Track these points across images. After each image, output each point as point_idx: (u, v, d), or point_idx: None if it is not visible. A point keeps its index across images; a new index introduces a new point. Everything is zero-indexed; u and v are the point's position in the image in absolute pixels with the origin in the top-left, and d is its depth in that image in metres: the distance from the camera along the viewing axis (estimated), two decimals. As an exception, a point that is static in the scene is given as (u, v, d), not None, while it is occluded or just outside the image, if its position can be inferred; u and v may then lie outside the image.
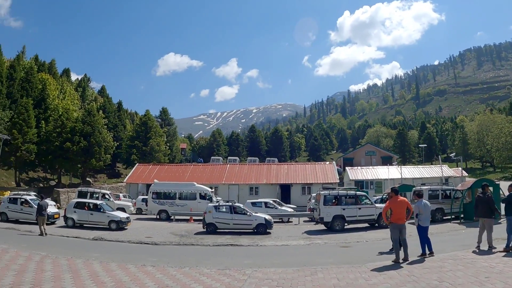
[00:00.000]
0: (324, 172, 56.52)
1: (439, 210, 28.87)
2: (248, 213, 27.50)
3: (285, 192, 53.51)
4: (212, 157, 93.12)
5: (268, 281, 11.59)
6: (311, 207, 33.43)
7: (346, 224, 27.08)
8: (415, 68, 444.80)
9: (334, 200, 27.69)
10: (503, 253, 13.93)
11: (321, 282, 11.44)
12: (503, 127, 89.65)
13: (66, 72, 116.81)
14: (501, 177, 73.81)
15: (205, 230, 27.23)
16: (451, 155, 69.95)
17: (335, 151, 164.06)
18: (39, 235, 24.13)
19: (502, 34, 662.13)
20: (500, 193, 26.55)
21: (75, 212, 29.47)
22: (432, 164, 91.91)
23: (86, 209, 29.49)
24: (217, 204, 28.97)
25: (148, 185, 44.59)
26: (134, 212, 42.12)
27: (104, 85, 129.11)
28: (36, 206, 29.53)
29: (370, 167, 69.58)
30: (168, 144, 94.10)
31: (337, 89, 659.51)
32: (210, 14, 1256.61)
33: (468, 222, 26.70)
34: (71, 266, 13.63)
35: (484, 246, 14.90)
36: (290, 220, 35.57)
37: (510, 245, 14.13)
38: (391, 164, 72.13)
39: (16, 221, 30.21)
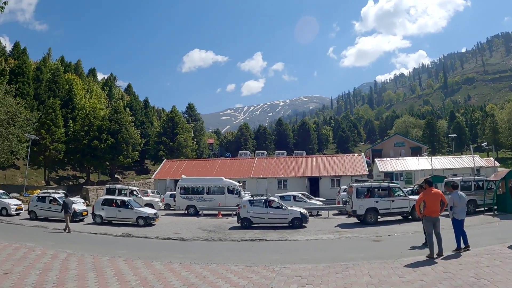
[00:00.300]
0: (353, 164, 55.76)
1: (472, 201, 27.71)
2: (283, 207, 26.94)
3: (313, 185, 52.96)
4: (239, 151, 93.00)
5: (297, 279, 11.02)
6: (343, 200, 32.70)
7: (379, 217, 26.39)
8: (442, 56, 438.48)
9: (366, 193, 26.96)
10: None
11: (353, 279, 10.84)
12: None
13: (92, 72, 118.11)
14: (535, 166, 71.68)
15: (240, 225, 26.88)
16: (482, 144, 68.11)
17: (363, 143, 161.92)
18: (64, 230, 24.37)
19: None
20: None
21: (103, 209, 29.43)
22: (462, 154, 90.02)
23: (114, 206, 29.46)
24: (252, 198, 28.41)
25: (176, 181, 44.43)
26: (163, 207, 42.01)
27: (130, 83, 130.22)
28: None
29: (400, 158, 68.41)
30: (195, 139, 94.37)
31: (364, 80, 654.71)
32: (233, 8, 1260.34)
33: (502, 214, 25.89)
34: (96, 264, 13.34)
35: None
36: (319, 213, 34.99)
37: None
38: (420, 155, 70.88)
39: (45, 219, 30.36)
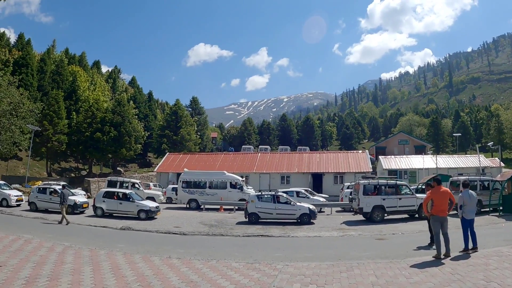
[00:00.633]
0: (357, 161, 55.32)
1: (477, 202, 27.31)
2: (292, 203, 26.53)
3: (317, 181, 52.55)
4: (243, 146, 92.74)
5: (300, 277, 10.63)
6: (350, 197, 32.29)
7: (385, 215, 25.95)
8: (447, 55, 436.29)
9: (373, 190, 26.56)
10: None
11: (358, 279, 10.46)
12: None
13: (97, 64, 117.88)
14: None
15: (247, 220, 26.49)
16: (489, 144, 67.65)
17: (367, 140, 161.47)
18: (59, 222, 24.33)
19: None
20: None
21: (104, 201, 29.08)
22: (466, 153, 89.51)
23: (115, 198, 29.14)
24: (260, 193, 27.99)
25: (179, 174, 44.09)
26: (164, 201, 41.70)
27: (135, 76, 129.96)
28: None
29: (404, 156, 67.84)
30: (198, 133, 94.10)
31: (369, 77, 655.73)
32: (239, 3, 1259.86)
33: (507, 215, 25.51)
34: (93, 257, 13.00)
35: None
36: (322, 210, 34.53)
37: None
38: (424, 153, 70.35)
39: (45, 211, 30.05)
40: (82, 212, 30.37)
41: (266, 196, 27.30)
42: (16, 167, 64.07)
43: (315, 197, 36.68)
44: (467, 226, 13.29)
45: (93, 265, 11.89)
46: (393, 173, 55.74)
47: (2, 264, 11.54)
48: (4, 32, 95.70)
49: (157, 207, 28.93)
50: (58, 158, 70.73)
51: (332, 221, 26.84)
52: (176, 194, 39.87)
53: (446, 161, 60.21)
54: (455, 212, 13.74)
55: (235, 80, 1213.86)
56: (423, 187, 32.62)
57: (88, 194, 46.19)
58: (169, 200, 42.48)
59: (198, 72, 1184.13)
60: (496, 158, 67.75)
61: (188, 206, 37.28)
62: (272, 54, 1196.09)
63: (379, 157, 66.96)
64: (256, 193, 28.44)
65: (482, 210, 27.22)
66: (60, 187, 31.82)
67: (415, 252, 14.66)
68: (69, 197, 29.99)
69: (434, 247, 13.63)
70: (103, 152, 66.16)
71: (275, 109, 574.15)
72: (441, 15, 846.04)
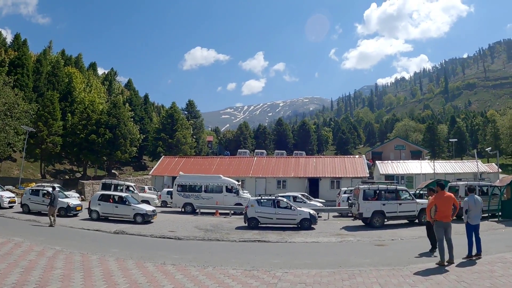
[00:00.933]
0: (353, 166, 55.02)
1: (477, 207, 27.01)
2: (292, 208, 26.06)
3: (313, 186, 52.20)
4: (239, 150, 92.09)
5: (301, 286, 10.19)
6: (349, 201, 31.81)
7: (385, 220, 25.55)
8: (443, 61, 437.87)
9: (374, 195, 26.20)
10: None
11: (361, 287, 10.09)
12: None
13: (93, 66, 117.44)
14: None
15: (246, 225, 26.01)
16: (487, 149, 67.47)
17: (362, 145, 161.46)
18: (50, 225, 23.89)
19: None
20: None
21: (99, 204, 28.52)
22: (462, 159, 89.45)
23: (111, 201, 28.61)
24: (260, 198, 27.53)
25: (174, 178, 43.67)
26: (159, 204, 41.23)
27: (131, 79, 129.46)
28: (58, 199, 29.33)
29: (401, 161, 67.70)
30: (194, 136, 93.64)
31: (364, 83, 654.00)
32: (235, 7, 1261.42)
33: (507, 220, 25.17)
34: (84, 263, 12.51)
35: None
36: (319, 215, 34.07)
37: None
38: (423, 159, 70.16)
39: (38, 213, 29.43)
40: (75, 215, 29.77)
41: (266, 200, 26.82)
42: (10, 168, 63.49)
43: (312, 202, 36.38)
44: (472, 231, 13.01)
45: (84, 271, 11.41)
46: (390, 178, 55.37)
47: None
48: (0, 32, 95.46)
49: (153, 210, 28.39)
50: (52, 160, 70.16)
51: (329, 227, 26.41)
52: (171, 198, 39.28)
53: (443, 167, 60.04)
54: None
55: (231, 84, 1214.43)
56: (421, 192, 32.37)
57: (82, 196, 45.73)
58: (164, 203, 41.95)
59: (195, 75, 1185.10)
60: (493, 163, 67.44)
61: (183, 210, 36.77)
62: (269, 59, 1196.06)
63: (376, 162, 66.77)
64: (256, 198, 27.89)
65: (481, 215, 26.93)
66: (50, 189, 31.67)
67: (417, 259, 14.26)
68: (63, 200, 29.80)
69: (435, 254, 13.42)
70: (98, 154, 65.55)
71: (271, 114, 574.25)
72: (437, 21, 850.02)
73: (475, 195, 13.51)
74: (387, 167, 61.70)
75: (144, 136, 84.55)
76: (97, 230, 23.44)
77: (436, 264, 12.23)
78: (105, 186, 39.17)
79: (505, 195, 26.92)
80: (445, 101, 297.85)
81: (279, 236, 21.71)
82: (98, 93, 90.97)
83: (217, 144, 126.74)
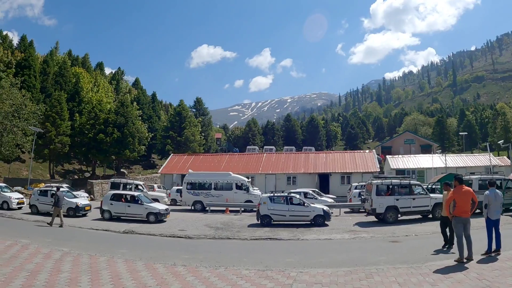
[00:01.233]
0: (364, 160, 54.43)
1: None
2: (305, 204, 25.62)
3: (323, 182, 51.67)
4: (248, 147, 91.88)
5: (318, 286, 9.77)
6: (362, 197, 31.28)
7: (399, 215, 25.03)
8: (451, 54, 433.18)
9: (387, 190, 25.64)
10: None
11: (380, 287, 9.67)
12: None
13: (100, 66, 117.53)
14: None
15: (259, 222, 25.57)
16: (499, 142, 66.61)
17: (371, 140, 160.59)
18: (47, 223, 23.94)
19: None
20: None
21: (111, 204, 28.19)
22: (472, 152, 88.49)
23: (123, 201, 28.26)
24: (273, 194, 27.12)
25: (183, 176, 43.20)
26: (168, 203, 40.77)
27: (138, 78, 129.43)
28: (67, 199, 29.24)
29: (412, 155, 66.90)
30: (203, 134, 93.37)
31: (372, 77, 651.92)
32: (241, 4, 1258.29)
33: (521, 215, 24.49)
34: (92, 265, 12.14)
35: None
36: (330, 211, 33.67)
37: None
38: (430, 153, 69.39)
39: (47, 214, 29.02)
40: (84, 215, 29.56)
41: (278, 197, 26.44)
42: (19, 169, 63.50)
43: (323, 198, 35.91)
44: (492, 226, 12.51)
45: (92, 274, 11.04)
46: (401, 172, 54.79)
47: None
48: (6, 34, 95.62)
49: (166, 209, 27.99)
50: (61, 160, 70.13)
51: (342, 223, 25.93)
52: (181, 196, 39.00)
53: (454, 160, 59.22)
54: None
55: (239, 81, 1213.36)
56: (433, 186, 31.79)
57: (91, 196, 45.49)
58: (173, 202, 41.61)
59: (202, 73, 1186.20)
60: (505, 156, 66.58)
61: (193, 208, 36.44)
62: (275, 55, 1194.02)
63: (387, 156, 66.05)
64: (268, 195, 27.39)
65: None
66: (64, 189, 31.65)
67: (434, 256, 13.78)
68: (71, 200, 29.65)
69: (452, 250, 13.29)
70: (106, 153, 65.43)
71: (278, 110, 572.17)
72: (444, 14, 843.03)
73: (496, 189, 12.99)
74: (397, 161, 61.00)
75: (152, 134, 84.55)
76: (106, 230, 23.16)
77: (454, 261, 11.84)
78: (114, 185, 38.90)
79: (519, 189, 26.44)
80: (453, 95, 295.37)
81: (291, 234, 21.29)
82: (105, 92, 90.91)
83: (226, 141, 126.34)
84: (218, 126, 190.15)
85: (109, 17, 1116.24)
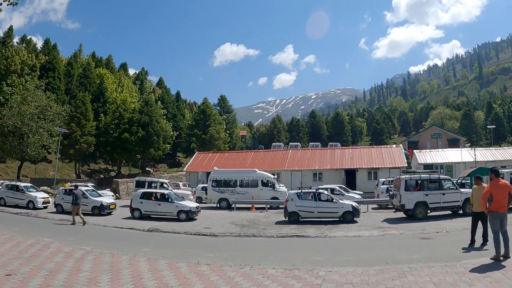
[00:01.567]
0: (391, 155, 53.41)
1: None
2: (334, 200, 25.04)
3: (350, 178, 50.84)
4: (273, 144, 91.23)
5: (348, 287, 9.21)
6: (390, 193, 30.49)
7: (428, 211, 24.25)
8: (476, 46, 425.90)
9: (416, 185, 24.78)
10: None
11: (414, 287, 9.06)
12: None
13: (123, 66, 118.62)
14: None
15: (287, 219, 25.09)
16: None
17: (397, 135, 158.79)
18: (71, 224, 23.80)
19: None
20: None
21: (141, 202, 27.98)
22: (500, 146, 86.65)
23: (153, 199, 28.07)
24: (300, 191, 26.47)
25: (208, 173, 43.00)
26: (194, 201, 40.64)
27: (162, 77, 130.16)
28: (92, 198, 29.24)
29: (439, 150, 65.58)
30: (227, 131, 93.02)
31: (396, 71, 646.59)
32: (262, 1, 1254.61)
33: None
34: (113, 264, 11.77)
35: None
36: (358, 207, 33.02)
37: None
38: (457, 147, 68.01)
39: (71, 213, 29.14)
40: (109, 214, 29.65)
41: (306, 193, 25.79)
42: (46, 169, 64.23)
43: (350, 194, 35.32)
44: None
45: (113, 273, 10.64)
46: (428, 167, 53.64)
47: (12, 272, 10.46)
48: (30, 38, 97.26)
49: (197, 207, 27.75)
50: (87, 160, 70.79)
51: (370, 219, 25.26)
52: (206, 194, 38.84)
53: (483, 154, 57.81)
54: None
55: (263, 78, 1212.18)
56: (463, 181, 30.88)
57: (117, 195, 45.65)
58: (198, 199, 41.37)
59: (225, 71, 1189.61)
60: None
61: (218, 205, 36.22)
62: (298, 51, 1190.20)
63: (414, 151, 64.92)
64: (296, 191, 26.80)
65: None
66: (89, 188, 31.96)
67: (467, 254, 13.02)
68: (96, 198, 29.77)
69: (486, 247, 12.71)
70: (131, 152, 65.70)
71: (303, 107, 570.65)
72: (468, 5, 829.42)
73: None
74: (425, 156, 59.82)
75: (177, 133, 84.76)
76: (130, 228, 22.97)
77: (490, 259, 11.14)
78: (139, 184, 38.68)
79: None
80: (479, 87, 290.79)
81: (318, 231, 20.70)
82: (129, 92, 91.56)
83: (251, 138, 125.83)
84: (243, 123, 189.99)
85: (132, 19, 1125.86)
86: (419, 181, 24.89)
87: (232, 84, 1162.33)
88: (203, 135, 79.98)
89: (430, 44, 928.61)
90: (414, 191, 24.36)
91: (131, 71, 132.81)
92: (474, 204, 13.86)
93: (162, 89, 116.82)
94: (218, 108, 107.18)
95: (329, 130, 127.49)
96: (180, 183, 48.13)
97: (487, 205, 11.67)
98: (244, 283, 9.61)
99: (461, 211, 24.49)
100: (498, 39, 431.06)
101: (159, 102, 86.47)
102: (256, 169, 39.15)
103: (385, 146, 67.36)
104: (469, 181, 30.02)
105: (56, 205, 30.58)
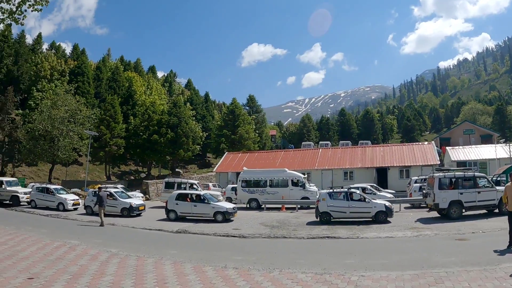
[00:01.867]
0: (423, 153, 52.19)
1: None
2: (366, 200, 24.33)
3: (381, 176, 49.87)
4: (303, 143, 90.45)
5: (382, 293, 8.64)
6: (424, 191, 29.59)
7: (463, 210, 23.30)
8: (506, 38, 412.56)
9: (450, 184, 23.87)
10: None
11: (453, 294, 8.46)
12: None
13: (152, 69, 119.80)
14: None
15: (318, 220, 24.51)
16: None
17: (428, 132, 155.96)
18: (99, 225, 23.76)
19: None
20: None
21: (177, 204, 27.69)
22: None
23: (189, 200, 27.76)
24: (332, 190, 25.82)
25: (238, 174, 42.69)
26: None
27: (190, 79, 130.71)
28: (121, 199, 29.30)
29: (473, 146, 63.96)
30: (257, 131, 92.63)
31: (426, 67, 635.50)
32: (288, 1, 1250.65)
33: None
34: (138, 268, 11.49)
35: None
36: (390, 207, 32.20)
37: None
38: (491, 143, 66.25)
39: (102, 215, 29.28)
40: (139, 215, 29.51)
41: (338, 193, 25.14)
42: (77, 172, 64.96)
43: (381, 193, 34.49)
44: None
45: (136, 277, 10.35)
46: (462, 164, 52.32)
47: (35, 275, 10.30)
48: (59, 44, 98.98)
49: (234, 208, 27.45)
50: (117, 162, 71.38)
51: (403, 219, 24.44)
52: (236, 194, 38.46)
53: (518, 151, 56.20)
54: None
55: (291, 77, 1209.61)
56: (498, 178, 29.86)
57: (147, 196, 45.73)
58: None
59: (254, 72, 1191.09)
60: None
61: (248, 206, 35.80)
62: (326, 50, 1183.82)
63: (447, 148, 63.53)
64: (327, 191, 26.14)
65: None
66: (118, 190, 32.20)
67: (507, 256, 12.35)
68: (125, 200, 29.82)
69: None
70: (161, 153, 66.01)
71: (332, 105, 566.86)
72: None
73: None
74: (458, 153, 58.38)
75: (206, 133, 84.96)
76: (159, 230, 22.79)
77: None
78: (168, 185, 38.69)
79: None
80: (511, 81, 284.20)
81: (349, 231, 20.11)
82: (158, 94, 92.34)
83: (281, 138, 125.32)
84: (272, 123, 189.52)
85: (159, 22, 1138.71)
86: (454, 179, 23.97)
87: (261, 84, 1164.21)
88: (233, 136, 79.68)
89: (459, 38, 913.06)
90: (448, 190, 23.45)
91: (160, 74, 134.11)
92: (508, 202, 13.18)
93: (191, 90, 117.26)
94: (247, 108, 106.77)
95: (359, 128, 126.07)
96: (210, 184, 48.03)
97: None
98: (272, 289, 9.13)
99: (497, 210, 23.52)
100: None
101: (188, 104, 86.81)
102: (286, 169, 38.62)
103: (417, 143, 65.96)
104: (505, 179, 28.97)
105: (85, 207, 30.77)
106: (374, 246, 16.58)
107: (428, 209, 26.44)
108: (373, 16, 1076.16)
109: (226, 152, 65.36)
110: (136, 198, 33.84)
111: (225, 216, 25.89)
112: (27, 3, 11.93)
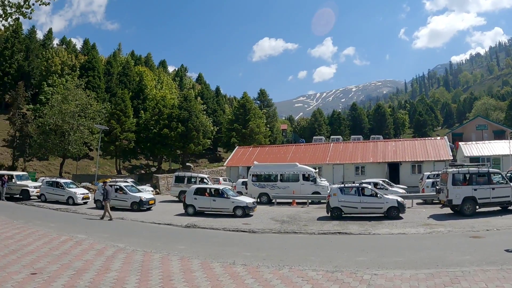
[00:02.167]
0: (435, 148, 51.54)
1: None
2: (378, 195, 23.91)
3: (393, 171, 49.32)
4: (314, 137, 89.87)
5: (395, 294, 8.27)
6: (437, 187, 29.10)
7: (477, 207, 22.80)
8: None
9: (464, 180, 23.40)
10: None
11: (470, 296, 8.08)
12: None
13: (163, 64, 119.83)
14: None
15: (329, 215, 24.17)
16: None
17: (440, 127, 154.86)
18: (108, 220, 23.74)
19: None
20: None
21: (195, 199, 27.29)
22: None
23: (207, 195, 27.38)
24: (343, 185, 25.39)
25: (248, 168, 42.30)
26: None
27: (201, 73, 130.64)
28: (130, 193, 29.57)
29: (486, 142, 63.14)
30: (268, 125, 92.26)
31: (438, 62, 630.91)
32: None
33: None
34: (144, 263, 11.20)
35: None
36: (402, 202, 31.74)
37: None
38: (504, 139, 65.32)
39: (112, 209, 28.86)
40: (149, 209, 29.34)
41: (349, 188, 24.72)
42: (88, 166, 65.10)
43: (393, 189, 33.91)
44: None
45: (142, 273, 10.06)
46: (475, 160, 51.62)
47: (38, 271, 10.03)
48: (70, 39, 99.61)
49: (253, 202, 27.11)
50: (128, 156, 71.34)
51: (415, 215, 23.98)
52: (246, 188, 37.93)
53: (533, 147, 55.40)
54: None
55: (302, 72, 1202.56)
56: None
57: (157, 190, 45.60)
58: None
59: (265, 66, 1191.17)
60: None
61: (258, 200, 35.13)
62: (337, 44, 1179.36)
63: (459, 143, 62.82)
64: (339, 186, 25.71)
65: None
66: (128, 184, 32.11)
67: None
68: (135, 194, 29.81)
69: None
70: (171, 148, 65.91)
71: (344, 99, 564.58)
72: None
73: None
74: (471, 148, 57.64)
75: (217, 128, 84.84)
76: (168, 224, 22.57)
77: None
78: (178, 179, 38.52)
79: None
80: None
81: (361, 227, 19.73)
82: (169, 89, 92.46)
83: (292, 132, 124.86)
84: (283, 117, 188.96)
85: (170, 17, 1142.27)
86: (467, 175, 23.49)
87: (272, 78, 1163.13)
88: (243, 130, 79.37)
89: (472, 32, 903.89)
90: (462, 186, 22.98)
91: (171, 68, 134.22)
92: None
93: (202, 84, 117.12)
94: (258, 102, 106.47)
95: (371, 123, 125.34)
96: (220, 178, 47.73)
97: None
98: (281, 287, 8.83)
99: (511, 207, 23.15)
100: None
101: (199, 98, 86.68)
102: (297, 163, 38.18)
103: (429, 138, 65.30)
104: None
105: (95, 201, 30.45)
106: (387, 243, 16.18)
107: (441, 205, 25.96)
108: (384, 10, 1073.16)
109: (237, 146, 65.01)
110: (146, 192, 33.61)
111: (245, 211, 25.50)
112: None
